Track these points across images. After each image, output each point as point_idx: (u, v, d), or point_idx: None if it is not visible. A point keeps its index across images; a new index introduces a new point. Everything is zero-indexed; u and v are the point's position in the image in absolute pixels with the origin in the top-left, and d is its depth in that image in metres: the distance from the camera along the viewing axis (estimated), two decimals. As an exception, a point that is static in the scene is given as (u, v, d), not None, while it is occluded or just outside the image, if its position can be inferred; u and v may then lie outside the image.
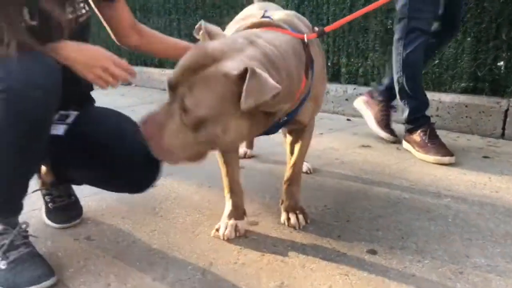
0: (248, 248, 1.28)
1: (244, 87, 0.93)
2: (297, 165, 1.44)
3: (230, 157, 1.38)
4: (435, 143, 2.13)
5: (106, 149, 1.24)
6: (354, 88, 3.12)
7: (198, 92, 0.98)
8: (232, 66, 0.97)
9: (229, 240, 1.33)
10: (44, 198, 1.46)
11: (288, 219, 1.41)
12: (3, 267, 1.11)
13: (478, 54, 2.58)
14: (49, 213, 1.45)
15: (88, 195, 1.66)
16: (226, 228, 1.34)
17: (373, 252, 1.25)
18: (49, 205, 1.45)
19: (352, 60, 3.19)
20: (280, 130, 1.37)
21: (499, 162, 2.03)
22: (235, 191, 1.40)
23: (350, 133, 2.65)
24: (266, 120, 1.07)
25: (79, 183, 1.51)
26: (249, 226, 1.41)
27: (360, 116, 3.02)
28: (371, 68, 3.10)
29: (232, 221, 1.36)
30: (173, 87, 1.01)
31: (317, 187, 1.77)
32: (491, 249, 1.26)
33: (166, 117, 1.01)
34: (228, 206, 1.40)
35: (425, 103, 2.24)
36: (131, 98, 4.12)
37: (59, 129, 1.28)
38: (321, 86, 1.34)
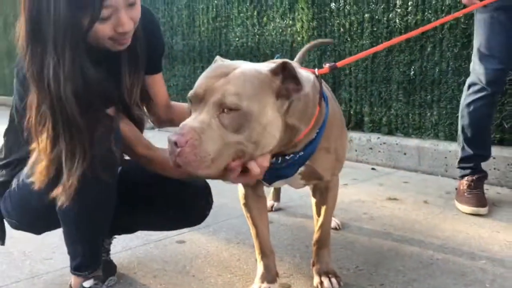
0: (282, 314, 1.27)
1: (296, 74, 1.02)
2: (324, 227, 1.43)
3: (259, 216, 1.38)
4: (471, 194, 2.11)
5: (158, 188, 1.32)
6: (378, 137, 3.13)
7: (237, 86, 1.00)
8: (260, 66, 1.07)
9: (262, 305, 1.31)
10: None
11: (321, 282, 1.40)
12: None
13: (504, 106, 2.58)
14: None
15: (119, 251, 1.68)
16: (258, 293, 1.33)
17: (410, 321, 1.22)
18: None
19: (375, 109, 3.21)
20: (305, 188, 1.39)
21: (533, 219, 1.99)
22: (266, 254, 1.39)
23: (375, 184, 2.64)
24: (290, 134, 1.09)
25: (132, 231, 1.56)
26: (281, 290, 1.40)
27: (384, 165, 3.03)
28: (394, 117, 3.11)
29: (264, 285, 1.35)
30: (200, 97, 1.02)
31: (347, 245, 1.75)
32: (534, 320, 1.22)
33: (201, 125, 0.98)
34: (260, 268, 1.39)
35: (481, 156, 2.21)
36: (157, 143, 4.19)
37: None
38: (338, 133, 1.28)
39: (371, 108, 3.24)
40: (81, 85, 1.06)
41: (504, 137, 2.60)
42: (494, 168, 2.54)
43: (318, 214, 1.44)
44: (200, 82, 1.05)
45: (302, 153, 1.18)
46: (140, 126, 1.32)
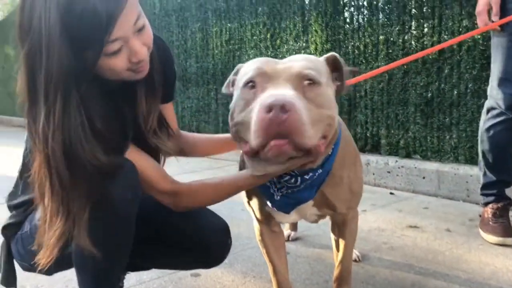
0: None
1: (343, 68, 1.10)
2: (344, 264, 1.38)
3: (276, 252, 1.34)
4: (497, 223, 2.03)
5: (175, 229, 1.25)
6: (396, 161, 3.06)
7: (311, 64, 1.02)
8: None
9: None
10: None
11: (343, 322, 1.34)
12: None
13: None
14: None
15: (133, 285, 1.64)
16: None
17: None
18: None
19: (392, 131, 3.15)
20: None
21: None
22: (284, 290, 1.34)
23: (394, 210, 2.57)
24: None
25: (147, 269, 1.51)
26: (300, 329, 1.34)
27: (403, 189, 2.95)
28: (412, 140, 3.05)
29: (285, 326, 1.29)
30: (272, 74, 0.99)
31: (368, 279, 1.68)
32: None
33: (293, 98, 0.92)
34: (278, 308, 1.34)
35: (504, 182, 2.14)
36: (170, 167, 4.17)
37: None
38: (351, 161, 1.24)
39: (388, 130, 3.18)
40: (78, 135, 0.97)
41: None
42: (517, 193, 2.45)
43: (338, 249, 1.39)
44: (261, 64, 1.02)
45: (321, 170, 1.13)
46: (158, 157, 1.28)
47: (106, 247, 1.05)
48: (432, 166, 2.87)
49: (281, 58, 3.87)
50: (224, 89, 1.19)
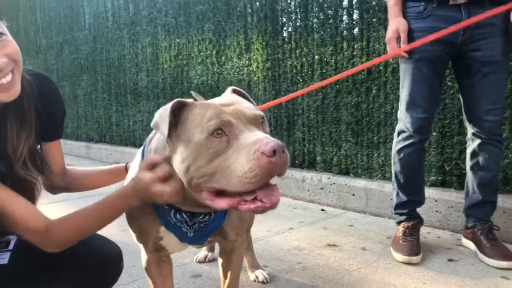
0: None
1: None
2: (232, 289, 1.41)
3: (162, 283, 1.35)
4: (406, 241, 2.11)
5: (68, 253, 1.22)
6: (329, 178, 3.13)
7: (252, 104, 1.11)
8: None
9: None
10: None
11: None
12: None
13: (444, 149, 2.61)
14: None
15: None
16: None
17: None
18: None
19: (327, 149, 3.23)
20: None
21: (463, 267, 1.98)
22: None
23: (320, 228, 2.63)
24: None
25: None
26: None
27: (335, 206, 3.02)
28: (344, 157, 3.13)
29: None
30: (233, 121, 0.99)
31: (269, 301, 1.72)
32: None
33: (269, 137, 0.97)
34: (162, 334, 1.35)
35: (415, 202, 2.23)
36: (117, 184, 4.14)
37: (3, 258, 1.28)
38: None
39: (323, 147, 3.26)
40: None
41: (445, 180, 2.63)
42: (436, 211, 2.55)
43: (225, 276, 1.42)
44: (218, 112, 1.00)
45: None
46: (31, 191, 1.27)
47: None
48: (361, 183, 2.95)
49: (226, 74, 3.92)
50: (164, 130, 1.01)
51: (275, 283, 1.88)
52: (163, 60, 4.66)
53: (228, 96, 1.13)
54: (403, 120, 2.12)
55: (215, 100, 1.09)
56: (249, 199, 0.95)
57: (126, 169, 1.48)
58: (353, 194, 2.97)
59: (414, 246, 2.08)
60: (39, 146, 1.36)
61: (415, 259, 2.03)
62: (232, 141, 0.97)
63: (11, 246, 1.32)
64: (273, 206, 0.95)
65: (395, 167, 2.21)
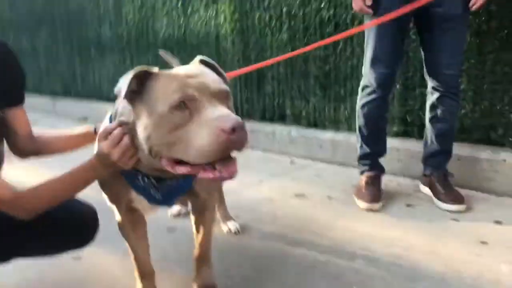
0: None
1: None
2: (204, 246, 1.49)
3: (137, 243, 1.42)
4: (368, 190, 2.25)
5: (45, 215, 1.26)
6: (297, 130, 3.23)
7: (215, 76, 1.11)
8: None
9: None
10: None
11: (200, 298, 1.48)
12: None
13: (407, 101, 2.72)
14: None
15: (11, 275, 1.69)
16: (139, 313, 1.39)
17: (274, 331, 1.33)
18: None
19: (296, 102, 3.30)
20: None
21: (419, 212, 2.15)
22: (147, 275, 1.45)
23: (289, 179, 2.74)
24: None
25: (8, 261, 1.53)
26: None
27: (303, 157, 3.13)
28: (313, 111, 3.21)
29: (145, 305, 1.41)
30: (198, 95, 1.01)
31: (241, 251, 1.84)
32: (384, 322, 1.35)
33: (231, 113, 1.00)
34: (139, 288, 1.45)
35: (376, 153, 2.36)
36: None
37: None
38: None
39: (292, 101, 3.32)
40: None
41: (407, 130, 2.76)
42: (398, 160, 2.70)
43: (198, 232, 1.50)
44: (182, 85, 1.01)
45: None
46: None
47: None
48: (328, 135, 3.06)
49: (193, 27, 3.84)
50: (124, 95, 1.03)
51: (247, 233, 2.00)
52: (127, 12, 4.50)
53: (195, 67, 1.15)
54: (367, 76, 2.19)
55: (181, 70, 1.10)
56: (208, 168, 1.00)
57: (95, 132, 1.50)
58: (321, 146, 3.08)
59: (375, 194, 2.23)
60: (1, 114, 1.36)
61: (376, 206, 2.18)
62: (194, 115, 1.00)
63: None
64: (231, 176, 1.00)
65: (359, 121, 2.31)
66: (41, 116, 5.48)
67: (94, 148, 1.23)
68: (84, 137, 1.50)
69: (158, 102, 1.02)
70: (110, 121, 1.22)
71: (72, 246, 1.51)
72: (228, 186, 2.55)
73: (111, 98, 4.98)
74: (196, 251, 1.51)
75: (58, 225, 1.40)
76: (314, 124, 3.22)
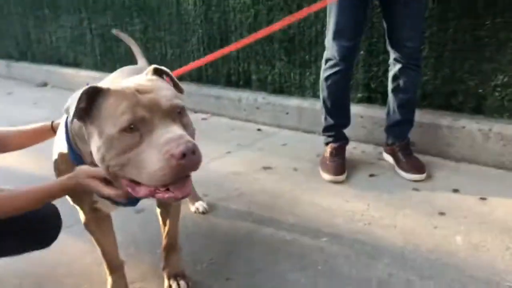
0: (127, 327, 1.37)
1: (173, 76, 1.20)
2: (170, 236, 1.51)
3: (103, 237, 1.42)
4: (333, 161, 2.29)
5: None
6: (263, 97, 3.20)
7: (167, 91, 1.06)
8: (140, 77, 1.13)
9: (110, 319, 1.41)
10: None
11: (170, 286, 1.51)
12: None
13: (371, 67, 2.72)
14: None
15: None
16: (108, 308, 1.42)
17: (241, 318, 1.38)
18: None
19: (261, 67, 3.24)
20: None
21: (381, 182, 2.21)
22: (115, 267, 1.46)
23: (256, 149, 2.75)
24: None
25: None
26: (132, 297, 1.49)
27: (270, 124, 3.14)
28: (278, 76, 3.17)
29: (113, 300, 1.43)
30: (148, 117, 0.98)
31: (208, 232, 1.87)
32: (346, 302, 1.43)
33: (188, 137, 0.98)
34: (109, 282, 1.46)
35: (340, 125, 2.37)
36: (45, 108, 3.96)
37: None
38: None
39: (257, 66, 3.27)
40: None
41: (370, 96, 2.78)
42: (362, 127, 2.74)
43: (164, 223, 1.51)
44: (131, 105, 0.98)
45: None
46: None
47: None
48: (294, 102, 3.05)
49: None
50: (72, 115, 1.00)
51: (214, 212, 2.02)
52: (80, -32, 4.21)
53: (147, 80, 1.09)
54: (330, 49, 2.16)
55: (132, 84, 1.05)
56: (162, 190, 1.00)
57: (52, 128, 1.45)
58: (287, 113, 3.08)
59: (339, 166, 2.28)
60: None
61: (340, 178, 2.23)
62: (145, 136, 0.97)
63: None
64: (185, 196, 1.01)
65: (322, 93, 2.30)
66: (-4, 82, 5.23)
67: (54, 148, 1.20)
68: (41, 134, 1.45)
69: (107, 122, 0.99)
70: (67, 131, 1.17)
71: (35, 246, 1.49)
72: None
73: (70, 63, 4.77)
74: (163, 241, 1.53)
75: (20, 226, 1.37)
76: (280, 90, 3.20)
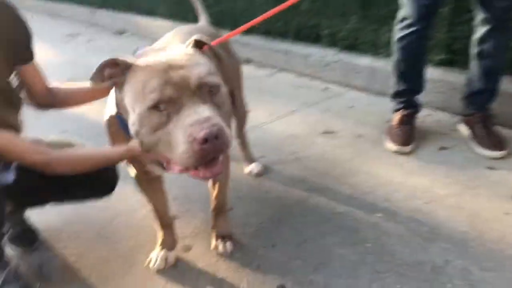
0: (173, 283, 1.43)
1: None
2: (219, 199, 1.52)
3: (153, 195, 1.47)
4: (401, 130, 2.14)
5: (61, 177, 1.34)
6: (334, 54, 3.03)
7: (204, 67, 1.01)
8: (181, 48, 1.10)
9: (159, 271, 1.47)
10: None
11: (217, 246, 1.54)
12: None
13: (455, 26, 2.44)
14: (11, 239, 1.62)
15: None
16: (156, 260, 1.48)
17: (281, 288, 1.38)
18: (10, 231, 1.61)
19: (333, 22, 3.05)
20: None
21: (453, 156, 2.03)
22: (165, 224, 1.51)
23: (321, 110, 2.65)
24: None
25: (43, 207, 1.66)
26: (181, 253, 1.55)
27: (338, 83, 2.99)
28: (351, 32, 2.97)
29: (162, 253, 1.50)
30: (176, 94, 0.96)
31: (261, 196, 1.86)
32: (393, 286, 1.36)
33: (217, 119, 0.95)
34: (160, 236, 1.52)
35: (413, 91, 2.19)
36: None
37: (8, 177, 1.39)
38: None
39: (329, 20, 3.08)
40: None
41: (451, 59, 2.51)
42: (439, 92, 2.50)
43: (213, 187, 1.52)
44: (160, 83, 0.96)
45: None
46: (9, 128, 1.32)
47: None
48: (366, 61, 2.86)
49: None
50: (94, 79, 1.04)
51: (268, 175, 2.00)
52: None
53: (184, 53, 1.05)
54: (406, 6, 1.95)
55: (165, 58, 1.01)
56: (192, 169, 0.99)
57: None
58: (357, 72, 2.90)
59: (407, 135, 2.12)
60: (15, 73, 1.36)
61: (406, 148, 2.08)
62: (172, 115, 0.95)
63: (15, 164, 1.42)
64: (214, 175, 0.99)
65: (395, 55, 2.11)
66: (81, 28, 5.49)
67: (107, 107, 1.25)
68: (99, 92, 1.48)
69: (137, 100, 0.99)
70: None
71: (96, 196, 1.58)
72: (258, 118, 2.52)
73: (145, 11, 4.85)
74: (212, 204, 1.54)
75: (83, 177, 1.45)
76: (352, 47, 3.00)
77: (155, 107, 0.95)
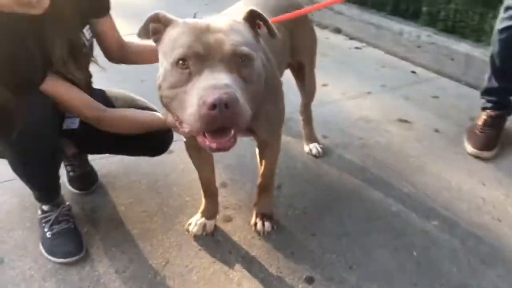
0: (206, 251, 1.45)
1: (268, 21, 1.05)
2: (265, 176, 1.49)
3: (201, 164, 1.48)
4: (484, 132, 1.93)
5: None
6: (428, 35, 2.76)
7: (241, 36, 0.98)
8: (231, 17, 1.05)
9: (195, 236, 1.51)
10: (66, 168, 1.75)
11: (256, 224, 1.53)
12: (48, 236, 1.45)
13: None
14: (71, 181, 1.75)
15: (100, 158, 1.92)
16: (195, 226, 1.52)
17: (310, 280, 1.34)
18: (70, 173, 1.74)
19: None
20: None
21: (541, 172, 1.79)
22: (209, 194, 1.53)
23: (401, 95, 2.46)
24: None
25: (100, 153, 1.78)
26: (220, 223, 1.56)
27: (429, 68, 2.75)
28: (453, 12, 2.67)
29: (202, 220, 1.52)
30: (204, 54, 0.94)
31: (313, 179, 1.79)
32: (429, 304, 1.26)
33: (233, 88, 0.90)
34: (203, 204, 1.55)
35: (507, 90, 1.95)
36: (215, 4, 4.11)
37: (74, 123, 1.49)
38: (272, 97, 1.27)
39: (431, -3, 2.79)
40: None
41: None
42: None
43: (261, 164, 1.49)
44: (191, 40, 0.95)
45: None
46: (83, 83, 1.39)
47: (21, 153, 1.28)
48: (463, 47, 2.57)
49: None
50: (140, 34, 1.06)
51: (327, 157, 1.92)
52: None
53: (227, 20, 1.01)
54: None
55: (208, 21, 0.99)
56: (201, 136, 0.96)
57: None
58: (452, 59, 2.62)
59: (490, 139, 1.90)
60: (88, 27, 1.41)
61: (487, 154, 1.87)
62: (193, 76, 0.93)
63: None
64: (220, 150, 0.95)
65: (493, 47, 1.86)
66: None
67: None
68: None
69: (166, 54, 1.00)
70: None
71: (148, 153, 1.65)
72: (331, 95, 2.42)
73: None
74: (259, 180, 1.52)
75: (139, 136, 1.50)
76: (451, 30, 2.70)
77: (180, 63, 0.94)
